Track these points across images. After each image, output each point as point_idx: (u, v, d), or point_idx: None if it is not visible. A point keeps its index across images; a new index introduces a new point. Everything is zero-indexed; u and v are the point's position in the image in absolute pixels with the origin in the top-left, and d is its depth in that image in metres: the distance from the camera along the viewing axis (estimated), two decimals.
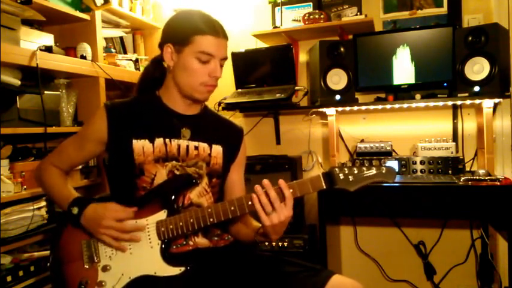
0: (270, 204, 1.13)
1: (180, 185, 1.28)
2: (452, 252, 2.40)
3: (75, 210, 1.24)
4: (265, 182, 1.15)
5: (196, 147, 1.34)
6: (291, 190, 1.15)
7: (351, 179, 1.13)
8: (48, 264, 1.32)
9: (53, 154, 1.40)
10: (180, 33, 1.28)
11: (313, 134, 2.63)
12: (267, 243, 2.16)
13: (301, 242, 2.15)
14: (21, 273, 1.71)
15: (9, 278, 1.65)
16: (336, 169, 1.14)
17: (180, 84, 1.30)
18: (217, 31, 1.26)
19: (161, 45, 1.32)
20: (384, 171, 1.13)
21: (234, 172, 1.45)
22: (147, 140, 1.30)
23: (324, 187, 1.14)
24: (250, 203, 1.16)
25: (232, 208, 1.18)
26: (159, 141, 1.31)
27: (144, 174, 1.29)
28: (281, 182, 1.14)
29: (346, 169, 1.14)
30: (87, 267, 1.25)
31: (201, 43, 1.24)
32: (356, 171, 1.13)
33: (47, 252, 1.60)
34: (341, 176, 1.13)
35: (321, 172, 1.15)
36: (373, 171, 1.13)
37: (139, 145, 1.29)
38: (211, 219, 1.19)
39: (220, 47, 1.27)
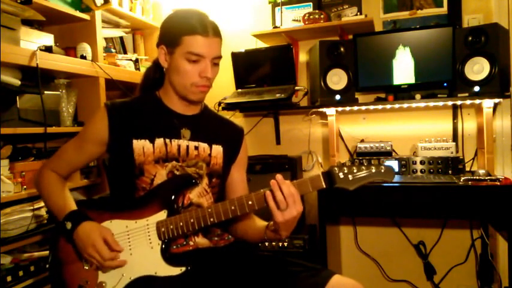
0: (284, 200, 1.12)
1: (180, 185, 1.28)
2: (452, 252, 2.40)
3: (68, 225, 1.23)
4: (279, 177, 1.14)
5: (196, 148, 1.34)
6: None
7: (350, 178, 1.13)
8: (48, 265, 1.31)
9: (53, 159, 1.39)
10: (170, 34, 1.27)
11: (313, 134, 2.63)
12: (267, 244, 2.16)
13: (301, 242, 2.15)
14: (21, 273, 1.71)
15: (9, 278, 1.65)
16: (336, 168, 1.14)
17: (174, 85, 1.30)
18: (206, 30, 1.23)
19: (157, 47, 1.32)
20: (382, 171, 1.13)
21: (235, 172, 1.44)
22: (147, 140, 1.30)
23: (324, 186, 1.14)
24: (250, 202, 1.17)
25: (233, 208, 1.18)
26: (159, 141, 1.31)
27: (143, 175, 1.29)
28: (286, 181, 1.14)
29: (345, 168, 1.14)
30: (87, 268, 1.25)
31: (190, 44, 1.23)
32: (355, 171, 1.14)
33: (47, 252, 1.60)
34: (341, 175, 1.14)
35: (321, 171, 1.15)
36: (372, 170, 1.14)
37: (140, 145, 1.29)
38: (212, 219, 1.19)
39: (210, 46, 1.25)
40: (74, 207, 1.28)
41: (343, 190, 1.13)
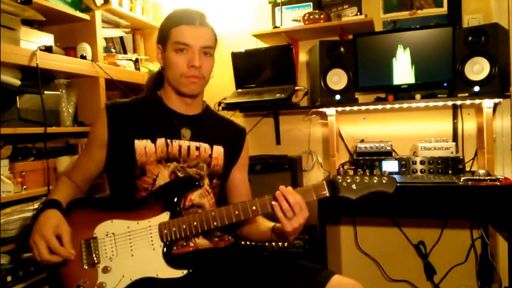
0: (291, 209, 1.13)
1: (183, 187, 1.28)
2: (452, 252, 2.41)
3: (39, 207, 1.23)
4: (283, 187, 1.15)
5: (197, 148, 1.34)
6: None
7: (353, 187, 1.15)
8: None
9: (70, 166, 1.42)
10: (161, 31, 1.31)
11: (313, 134, 2.63)
12: (267, 244, 2.16)
13: (301, 242, 2.15)
14: (21, 273, 1.70)
15: (9, 278, 1.65)
16: (339, 177, 1.16)
17: (168, 80, 1.32)
18: (192, 20, 1.25)
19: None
20: (384, 181, 1.16)
21: (237, 172, 1.45)
22: (149, 140, 1.30)
23: (328, 195, 1.16)
24: (254, 208, 1.17)
25: (237, 212, 1.18)
26: (160, 141, 1.30)
27: (145, 175, 1.29)
28: (289, 188, 1.15)
29: (348, 177, 1.16)
30: (86, 268, 1.23)
31: (175, 34, 1.26)
32: (358, 180, 1.16)
33: None
34: (344, 184, 1.15)
35: (324, 180, 1.17)
36: (375, 180, 1.16)
37: (142, 145, 1.29)
38: (215, 223, 1.19)
39: (196, 35, 1.25)
40: (60, 199, 1.27)
41: (346, 199, 1.15)
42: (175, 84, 1.30)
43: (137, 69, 2.53)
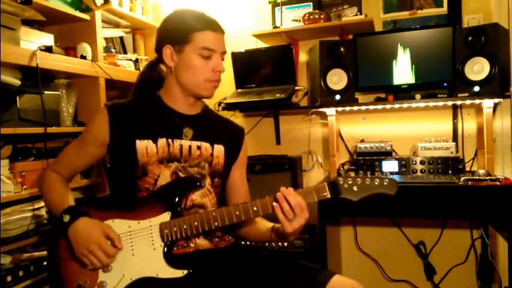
0: (292, 211, 1.13)
1: (184, 187, 1.28)
2: (452, 252, 2.41)
3: (66, 218, 1.21)
4: (284, 189, 1.15)
5: (198, 147, 1.34)
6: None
7: (355, 189, 1.15)
8: (45, 263, 1.30)
9: (56, 160, 1.40)
10: (178, 32, 1.29)
11: (313, 134, 2.63)
12: (267, 244, 2.16)
13: (301, 242, 2.15)
14: (21, 273, 1.70)
15: (9, 278, 1.65)
16: (340, 179, 1.15)
17: (185, 83, 1.30)
18: (214, 26, 1.29)
19: (159, 48, 1.33)
20: (385, 183, 1.15)
21: (236, 172, 1.45)
22: (150, 141, 1.29)
23: (329, 196, 1.15)
24: (255, 208, 1.17)
25: (237, 213, 1.18)
26: (162, 141, 1.30)
27: (147, 175, 1.29)
28: (290, 190, 1.15)
29: (350, 179, 1.15)
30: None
31: (202, 39, 1.26)
32: (360, 182, 1.15)
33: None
34: (345, 186, 1.15)
35: (326, 181, 1.16)
36: (376, 182, 1.15)
37: (143, 145, 1.29)
38: (216, 223, 1.19)
39: (219, 41, 1.30)
40: (73, 203, 1.28)
41: (347, 201, 1.14)
42: (194, 88, 1.30)
43: (137, 69, 2.53)
